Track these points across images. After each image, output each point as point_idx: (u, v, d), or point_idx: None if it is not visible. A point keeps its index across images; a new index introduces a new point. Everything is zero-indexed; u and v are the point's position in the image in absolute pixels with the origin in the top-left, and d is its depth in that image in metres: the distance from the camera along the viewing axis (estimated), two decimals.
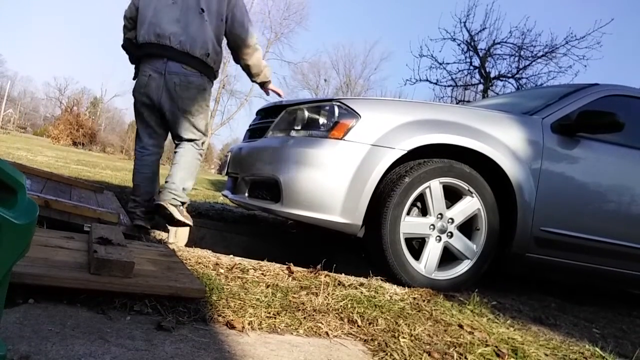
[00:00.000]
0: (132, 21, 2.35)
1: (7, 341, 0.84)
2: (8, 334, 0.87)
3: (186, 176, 2.34)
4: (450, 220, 2.00)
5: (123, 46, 2.46)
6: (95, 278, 1.13)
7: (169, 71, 2.21)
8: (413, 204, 2.00)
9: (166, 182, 2.35)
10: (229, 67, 23.71)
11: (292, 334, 1.19)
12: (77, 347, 0.88)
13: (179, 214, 2.29)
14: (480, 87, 9.70)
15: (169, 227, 2.68)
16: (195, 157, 2.38)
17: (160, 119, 2.34)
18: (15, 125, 39.58)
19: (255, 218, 3.65)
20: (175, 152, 2.43)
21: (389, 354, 1.15)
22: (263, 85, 2.57)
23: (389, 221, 1.89)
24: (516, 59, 9.14)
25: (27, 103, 53.19)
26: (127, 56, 2.51)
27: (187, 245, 2.58)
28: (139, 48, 2.30)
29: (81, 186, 3.20)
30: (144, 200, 2.35)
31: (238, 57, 2.42)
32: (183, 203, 2.37)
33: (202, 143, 2.46)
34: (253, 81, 2.55)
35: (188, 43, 2.19)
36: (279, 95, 2.55)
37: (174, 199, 2.29)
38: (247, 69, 2.45)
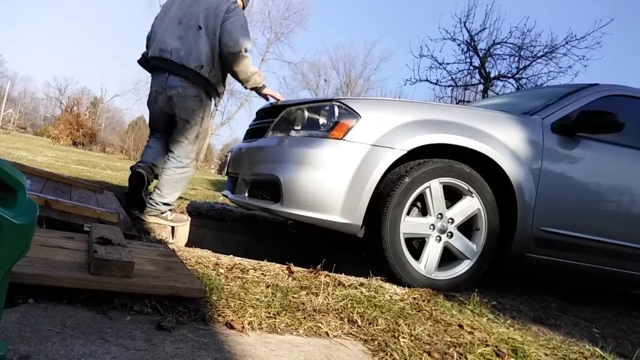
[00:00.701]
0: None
1: (7, 341, 0.84)
2: (8, 334, 0.87)
3: (167, 191, 2.58)
4: (450, 220, 2.00)
5: (138, 61, 2.75)
6: (95, 278, 1.13)
7: (169, 85, 2.48)
8: (413, 204, 2.00)
9: (150, 197, 2.63)
10: None
11: (292, 334, 1.19)
12: (77, 347, 0.88)
13: (160, 220, 2.58)
14: (480, 87, 9.71)
15: (169, 228, 2.73)
16: (176, 172, 2.60)
17: (169, 125, 2.64)
18: (15, 125, 39.54)
19: (255, 218, 3.65)
20: (162, 167, 2.68)
21: (389, 354, 1.15)
22: (258, 92, 2.66)
23: (389, 221, 1.89)
24: (516, 59, 9.16)
25: (27, 103, 53.18)
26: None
27: (187, 245, 2.60)
28: (147, 62, 2.59)
29: (81, 186, 3.20)
30: (145, 162, 2.72)
31: (226, 65, 2.54)
32: (167, 211, 2.62)
33: (190, 152, 2.62)
34: (245, 87, 2.66)
35: (185, 57, 2.43)
36: (277, 99, 2.60)
37: (151, 210, 2.57)
38: (234, 75, 2.58)
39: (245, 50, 2.48)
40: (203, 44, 2.43)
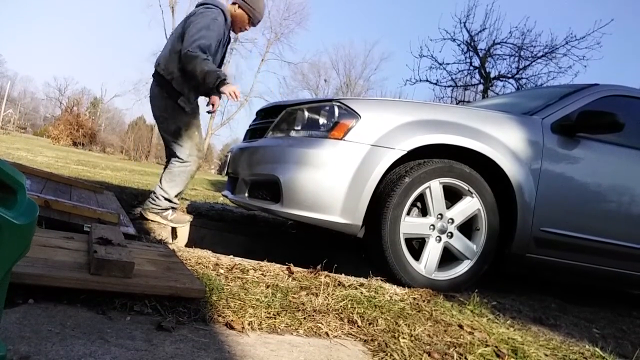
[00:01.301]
0: None
1: (7, 341, 0.84)
2: (8, 334, 0.87)
3: (167, 186, 2.63)
4: (450, 221, 2.00)
5: None
6: (95, 278, 1.13)
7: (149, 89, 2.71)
8: (413, 204, 2.00)
9: (152, 192, 2.70)
10: (227, 68, 23.76)
11: (292, 334, 1.19)
12: (77, 348, 0.88)
13: (159, 219, 2.65)
14: (480, 87, 9.71)
15: (169, 228, 2.73)
16: (175, 166, 2.65)
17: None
18: (15, 125, 39.52)
19: (255, 218, 3.65)
20: None
21: (389, 354, 1.15)
22: (218, 91, 2.57)
23: (389, 221, 1.89)
24: (516, 59, 9.15)
25: (27, 103, 53.16)
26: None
27: (187, 245, 2.60)
28: None
29: (81, 186, 3.20)
30: None
31: (183, 66, 2.54)
32: (170, 208, 2.67)
33: (182, 150, 2.64)
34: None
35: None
36: (235, 98, 2.52)
37: (153, 207, 2.63)
38: (193, 76, 2.54)
39: (202, 50, 2.42)
40: (166, 48, 2.61)
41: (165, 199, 2.61)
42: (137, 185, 5.23)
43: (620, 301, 2.88)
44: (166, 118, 2.60)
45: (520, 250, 2.10)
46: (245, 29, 2.78)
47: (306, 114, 2.10)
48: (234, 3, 2.68)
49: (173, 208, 2.68)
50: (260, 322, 1.20)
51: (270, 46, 27.10)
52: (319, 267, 1.84)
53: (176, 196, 2.66)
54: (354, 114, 1.95)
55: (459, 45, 9.52)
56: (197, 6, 2.64)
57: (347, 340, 1.22)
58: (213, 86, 2.48)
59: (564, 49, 8.61)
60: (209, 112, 2.73)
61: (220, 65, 2.77)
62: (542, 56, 8.85)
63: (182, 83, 2.56)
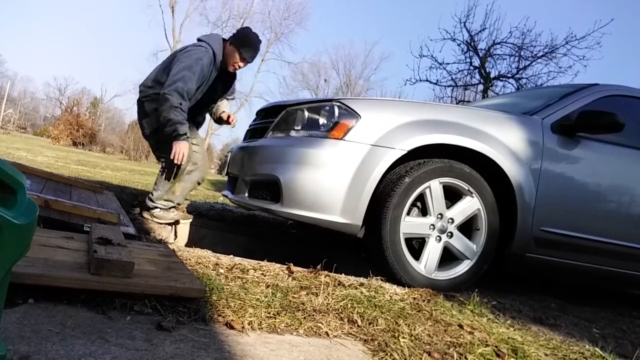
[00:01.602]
0: None
1: (7, 341, 0.84)
2: (8, 334, 0.87)
3: (152, 189, 2.81)
4: (450, 220, 2.00)
5: None
6: (95, 278, 1.13)
7: None
8: (413, 204, 2.00)
9: None
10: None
11: (292, 334, 1.19)
12: (77, 347, 0.88)
13: (147, 215, 2.79)
14: (480, 87, 9.70)
15: (169, 228, 2.74)
16: (160, 173, 2.80)
17: None
18: (15, 125, 39.51)
19: (255, 218, 3.65)
20: None
21: (389, 354, 1.15)
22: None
23: (389, 221, 1.89)
24: (516, 59, 9.15)
25: (27, 103, 53.16)
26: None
27: (187, 245, 2.60)
28: None
29: (81, 186, 3.20)
30: None
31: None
32: (154, 208, 2.79)
33: (167, 159, 2.75)
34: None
35: None
36: (175, 163, 2.57)
37: (145, 204, 2.82)
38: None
39: (179, 94, 2.46)
40: (152, 73, 2.76)
41: (149, 199, 2.79)
42: (137, 185, 5.23)
43: (621, 301, 2.88)
44: (145, 134, 2.82)
45: (520, 250, 2.10)
46: (239, 66, 2.74)
47: (306, 114, 2.10)
48: (227, 40, 2.74)
49: (157, 208, 2.79)
50: (260, 321, 1.20)
51: (270, 46, 27.13)
52: (319, 267, 1.84)
53: (159, 199, 2.76)
54: (354, 114, 1.95)
55: (459, 45, 9.53)
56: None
57: (347, 340, 1.22)
58: (169, 135, 2.52)
59: (564, 49, 8.62)
60: (231, 126, 3.02)
61: (212, 98, 2.85)
62: (542, 56, 8.85)
63: (150, 107, 2.69)
